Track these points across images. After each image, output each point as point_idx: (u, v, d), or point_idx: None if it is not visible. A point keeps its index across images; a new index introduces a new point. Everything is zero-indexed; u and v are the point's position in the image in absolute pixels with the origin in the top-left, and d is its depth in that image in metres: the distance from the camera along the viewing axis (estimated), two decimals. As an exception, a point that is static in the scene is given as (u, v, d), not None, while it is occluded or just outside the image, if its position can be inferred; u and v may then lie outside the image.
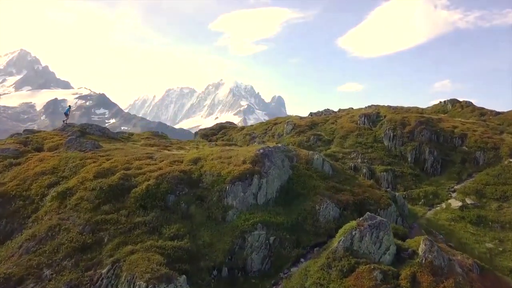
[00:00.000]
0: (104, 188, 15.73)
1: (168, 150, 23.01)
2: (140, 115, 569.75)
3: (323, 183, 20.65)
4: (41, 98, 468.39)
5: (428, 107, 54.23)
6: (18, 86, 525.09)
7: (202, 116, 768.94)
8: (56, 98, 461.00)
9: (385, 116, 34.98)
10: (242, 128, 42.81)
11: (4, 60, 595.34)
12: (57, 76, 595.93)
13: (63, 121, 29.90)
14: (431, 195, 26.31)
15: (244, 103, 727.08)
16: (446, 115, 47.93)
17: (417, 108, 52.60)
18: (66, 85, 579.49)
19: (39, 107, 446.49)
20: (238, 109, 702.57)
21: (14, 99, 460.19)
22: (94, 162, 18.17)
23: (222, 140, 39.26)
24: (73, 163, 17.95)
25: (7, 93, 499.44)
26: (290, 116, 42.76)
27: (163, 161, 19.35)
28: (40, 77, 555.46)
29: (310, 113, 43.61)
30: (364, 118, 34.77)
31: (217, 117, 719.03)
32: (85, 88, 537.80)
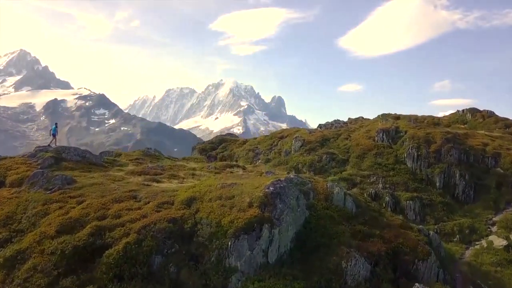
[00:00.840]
0: (66, 251, 11.93)
1: (158, 182, 19.20)
2: (140, 116, 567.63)
3: (347, 225, 16.86)
4: (40, 99, 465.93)
5: (444, 116, 50.41)
6: (18, 86, 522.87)
7: (202, 117, 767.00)
8: (56, 99, 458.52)
9: (405, 132, 31.12)
10: (245, 141, 38.93)
11: (4, 60, 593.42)
12: (57, 77, 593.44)
13: (50, 143, 25.59)
14: (467, 229, 22.47)
15: (244, 103, 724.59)
16: (465, 126, 44.08)
17: (433, 118, 48.79)
18: (66, 86, 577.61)
19: (38, 107, 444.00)
20: (238, 109, 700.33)
21: (13, 100, 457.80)
22: (60, 208, 14.36)
23: (223, 156, 35.45)
24: (33, 210, 14.15)
25: (7, 94, 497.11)
26: (298, 129, 38.85)
27: (149, 202, 15.54)
28: (40, 78, 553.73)
29: (319, 125, 39.74)
30: (382, 134, 30.91)
31: (217, 117, 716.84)
32: (85, 88, 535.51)
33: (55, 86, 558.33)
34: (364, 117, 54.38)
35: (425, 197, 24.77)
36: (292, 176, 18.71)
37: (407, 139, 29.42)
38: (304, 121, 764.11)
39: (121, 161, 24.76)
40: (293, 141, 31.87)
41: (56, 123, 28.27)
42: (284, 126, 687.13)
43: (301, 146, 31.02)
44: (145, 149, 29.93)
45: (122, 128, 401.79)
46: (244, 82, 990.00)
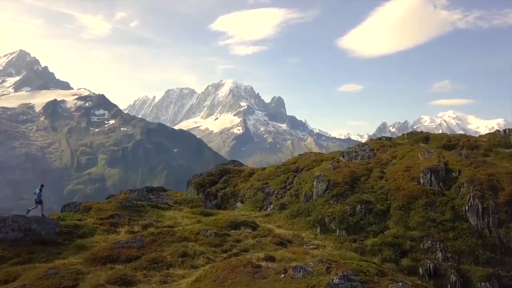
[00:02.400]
0: None
1: (127, 285, 12.61)
2: (140, 116, 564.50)
3: None
4: (40, 99, 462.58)
5: (482, 137, 43.48)
6: (17, 87, 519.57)
7: (201, 117, 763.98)
8: (55, 99, 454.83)
9: (459, 172, 24.41)
10: (251, 172, 32.15)
11: (3, 61, 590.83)
12: (57, 77, 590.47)
13: (30, 210, 19.05)
14: None
15: (244, 103, 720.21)
16: (510, 150, 37.20)
17: (468, 139, 41.96)
18: (65, 86, 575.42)
19: (38, 108, 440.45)
20: (238, 110, 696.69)
21: (13, 100, 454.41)
22: None
23: (225, 195, 28.74)
24: None
25: (6, 94, 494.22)
26: (316, 157, 32.06)
27: None
28: (39, 78, 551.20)
29: (341, 153, 32.88)
30: (430, 175, 24.19)
31: (217, 118, 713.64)
32: (84, 89, 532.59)
33: (54, 86, 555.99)
34: (386, 136, 47.86)
35: (505, 275, 18.11)
36: (336, 280, 12.11)
37: (465, 184, 22.71)
38: (304, 121, 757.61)
39: (87, 224, 18.12)
40: (315, 182, 25.09)
41: (41, 185, 19.89)
42: (284, 126, 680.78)
43: (325, 190, 24.28)
44: (125, 196, 23.27)
45: (122, 129, 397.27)
46: (244, 82, 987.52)
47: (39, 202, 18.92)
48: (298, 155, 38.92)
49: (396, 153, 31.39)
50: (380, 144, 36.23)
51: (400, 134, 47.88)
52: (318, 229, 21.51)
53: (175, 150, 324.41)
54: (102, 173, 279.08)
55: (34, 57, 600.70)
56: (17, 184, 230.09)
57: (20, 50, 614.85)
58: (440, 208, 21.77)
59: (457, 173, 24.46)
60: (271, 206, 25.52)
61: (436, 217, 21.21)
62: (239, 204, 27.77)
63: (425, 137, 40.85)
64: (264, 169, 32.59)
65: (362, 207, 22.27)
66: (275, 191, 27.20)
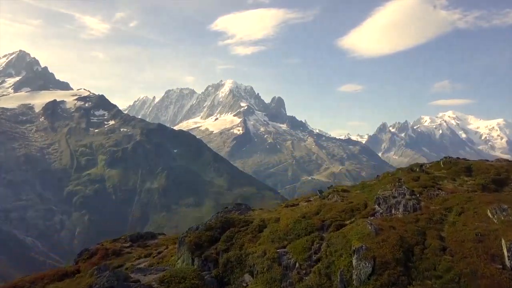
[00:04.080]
0: None
1: None
2: (139, 116, 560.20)
3: None
4: (40, 100, 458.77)
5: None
6: (17, 87, 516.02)
7: (201, 117, 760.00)
8: (55, 100, 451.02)
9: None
10: (262, 226, 25.03)
11: (3, 61, 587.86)
12: (57, 77, 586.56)
13: None
14: None
15: (244, 104, 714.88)
16: None
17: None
18: (65, 86, 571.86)
19: (38, 108, 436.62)
20: (238, 110, 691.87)
21: (13, 101, 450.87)
22: None
23: (228, 262, 21.68)
24: None
25: (6, 95, 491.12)
26: (345, 204, 24.90)
27: None
28: (39, 79, 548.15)
29: (376, 199, 25.72)
30: (520, 254, 17.32)
31: (216, 118, 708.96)
32: (84, 89, 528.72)
33: (54, 87, 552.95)
34: (418, 163, 40.85)
35: None
36: None
37: None
38: (304, 121, 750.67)
39: None
40: (354, 259, 18.09)
41: None
42: (284, 126, 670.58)
43: (371, 274, 17.33)
44: (89, 280, 16.16)
45: (121, 129, 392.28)
46: (244, 82, 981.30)
47: None
48: (318, 191, 31.88)
49: (448, 202, 24.34)
50: (419, 182, 29.14)
51: (435, 162, 40.77)
52: None
53: (175, 151, 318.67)
54: (102, 174, 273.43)
55: (34, 58, 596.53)
56: (17, 185, 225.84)
57: (20, 51, 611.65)
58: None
59: (554, 250, 17.39)
60: (293, 289, 18.54)
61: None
62: (247, 278, 20.82)
63: (467, 167, 33.71)
64: (278, 220, 25.49)
65: (430, 310, 15.24)
66: (297, 264, 20.19)
